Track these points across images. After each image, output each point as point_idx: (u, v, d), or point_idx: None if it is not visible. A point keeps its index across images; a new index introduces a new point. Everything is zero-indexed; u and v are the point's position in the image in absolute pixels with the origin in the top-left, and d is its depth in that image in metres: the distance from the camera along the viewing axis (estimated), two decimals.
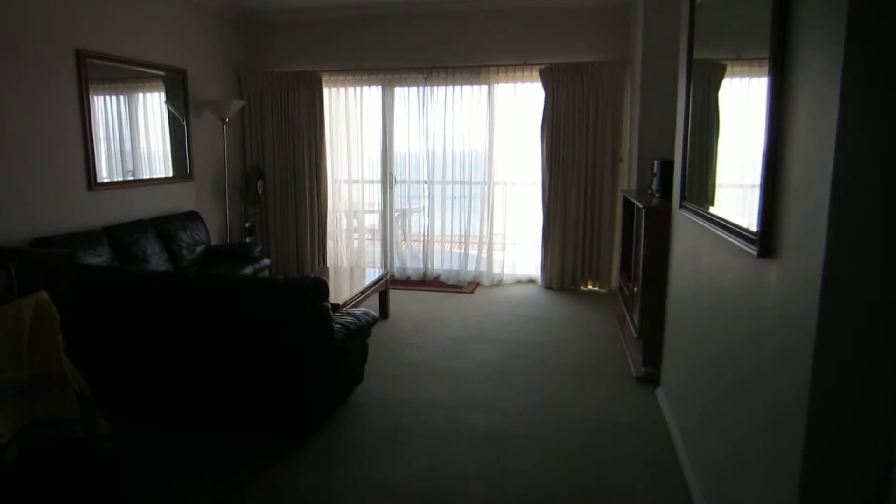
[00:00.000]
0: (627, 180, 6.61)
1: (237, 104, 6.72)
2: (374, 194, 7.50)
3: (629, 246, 5.46)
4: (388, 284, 5.77)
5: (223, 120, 6.68)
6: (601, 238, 6.85)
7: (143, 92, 6.11)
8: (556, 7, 6.66)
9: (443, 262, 7.42)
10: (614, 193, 6.75)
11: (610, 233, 6.81)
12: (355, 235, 7.57)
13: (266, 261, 6.18)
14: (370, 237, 7.69)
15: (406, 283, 7.16)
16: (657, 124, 5.66)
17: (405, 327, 5.58)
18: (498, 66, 6.82)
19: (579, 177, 6.74)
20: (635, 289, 4.75)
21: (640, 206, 4.42)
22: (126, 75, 5.77)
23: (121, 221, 5.35)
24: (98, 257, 4.69)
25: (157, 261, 5.33)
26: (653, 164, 5.09)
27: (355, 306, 4.84)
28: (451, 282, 7.21)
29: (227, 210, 6.92)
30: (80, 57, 5.02)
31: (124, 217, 5.45)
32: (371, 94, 7.28)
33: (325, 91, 7.25)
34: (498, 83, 6.93)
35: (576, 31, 6.68)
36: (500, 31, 6.81)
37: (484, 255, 7.22)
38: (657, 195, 4.83)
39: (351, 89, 7.30)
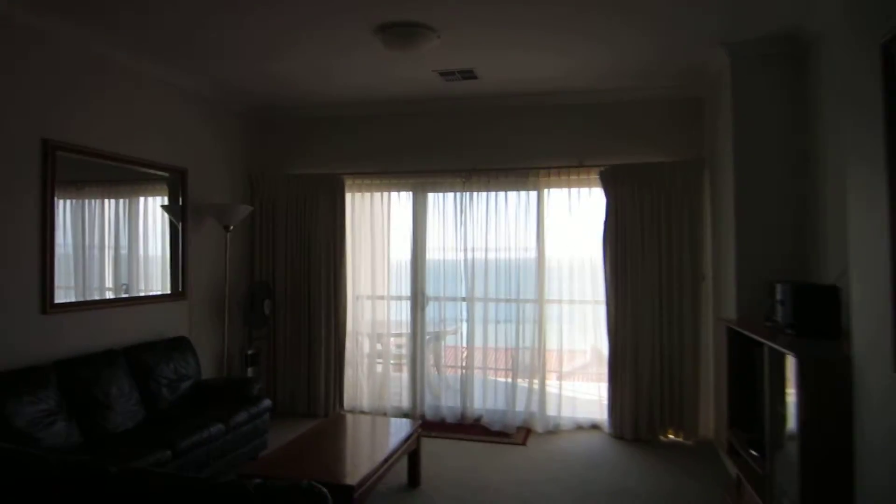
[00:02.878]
0: (715, 304, 5.37)
1: (244, 209, 5.72)
2: (401, 313, 6.27)
3: (745, 393, 4.15)
4: (419, 441, 4.45)
5: (227, 228, 5.69)
6: (684, 374, 5.49)
7: (144, 196, 5.18)
8: (617, 101, 5.65)
9: (485, 399, 6.06)
10: (697, 319, 5.47)
11: (694, 367, 5.45)
12: (379, 361, 6.30)
13: (266, 402, 4.87)
14: (396, 364, 6.38)
15: (440, 427, 5.80)
16: (761, 236, 4.51)
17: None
18: (549, 168, 5.73)
19: (653, 297, 5.49)
20: (772, 464, 3.41)
21: (785, 351, 3.15)
22: (124, 176, 4.81)
23: (86, 352, 4.21)
24: (38, 404, 3.50)
25: (125, 405, 4.10)
26: (774, 287, 3.88)
27: (375, 483, 3.54)
28: (496, 427, 5.83)
29: (225, 335, 5.76)
30: (48, 149, 3.96)
31: (91, 346, 4.27)
32: (400, 201, 6.19)
33: (348, 196, 6.18)
34: (549, 188, 5.82)
35: (640, 127, 5.63)
36: (550, 128, 5.77)
37: (535, 387, 5.85)
38: (789, 331, 3.58)
39: (378, 194, 6.23)
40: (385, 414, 6.11)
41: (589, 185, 5.74)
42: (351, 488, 3.15)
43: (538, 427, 5.79)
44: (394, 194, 6.24)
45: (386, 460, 3.67)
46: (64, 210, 4.27)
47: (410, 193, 6.19)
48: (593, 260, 5.77)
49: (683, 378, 5.47)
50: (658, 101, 5.63)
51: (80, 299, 4.37)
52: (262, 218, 6.28)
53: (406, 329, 6.23)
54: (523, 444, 5.45)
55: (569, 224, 5.84)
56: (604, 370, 5.78)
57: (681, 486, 4.50)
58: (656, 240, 5.49)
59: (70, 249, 4.36)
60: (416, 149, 6.12)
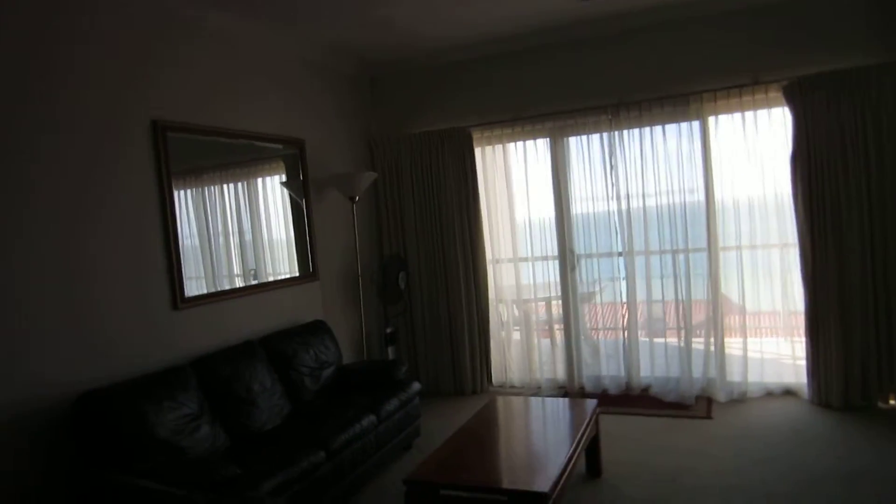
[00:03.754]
0: None
1: (368, 177, 5.18)
2: (548, 275, 5.54)
3: None
4: (598, 423, 3.78)
5: (352, 199, 5.21)
6: None
7: (262, 176, 4.77)
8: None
9: (653, 365, 5.27)
10: None
11: None
12: (521, 329, 5.59)
13: (415, 386, 4.36)
14: (546, 331, 5.65)
15: (603, 400, 5.06)
16: None
17: (635, 496, 3.53)
18: (715, 90, 4.76)
19: (863, 235, 4.45)
20: None
21: None
22: (239, 158, 4.41)
23: (221, 346, 3.83)
24: (179, 409, 3.15)
25: (269, 400, 3.72)
26: None
27: (566, 484, 2.90)
28: (669, 397, 5.04)
29: (361, 314, 5.35)
30: (158, 130, 3.56)
31: (226, 340, 3.88)
32: (537, 150, 5.43)
33: (478, 151, 5.51)
34: (716, 114, 4.85)
35: (832, 23, 4.50)
36: (714, 41, 4.77)
37: (712, 349, 5.01)
38: None
39: (510, 145, 5.53)
40: (539, 388, 5.49)
41: (767, 105, 4.72)
42: (544, 496, 2.54)
43: (720, 396, 4.95)
44: (529, 143, 5.48)
45: (572, 455, 3.02)
46: (186, 199, 3.92)
47: (547, 140, 5.41)
48: (779, 195, 4.78)
49: None
50: None
51: (211, 290, 4.02)
52: (386, 184, 5.75)
53: (555, 292, 5.53)
54: (708, 416, 4.65)
55: (743, 156, 4.85)
56: (798, 325, 4.84)
57: None
58: (863, 165, 4.42)
59: (196, 240, 4.00)
60: (550, 88, 5.31)
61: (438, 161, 5.56)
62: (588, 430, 3.45)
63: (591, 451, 3.67)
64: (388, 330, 5.54)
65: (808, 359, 4.70)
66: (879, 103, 4.36)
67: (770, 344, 5.11)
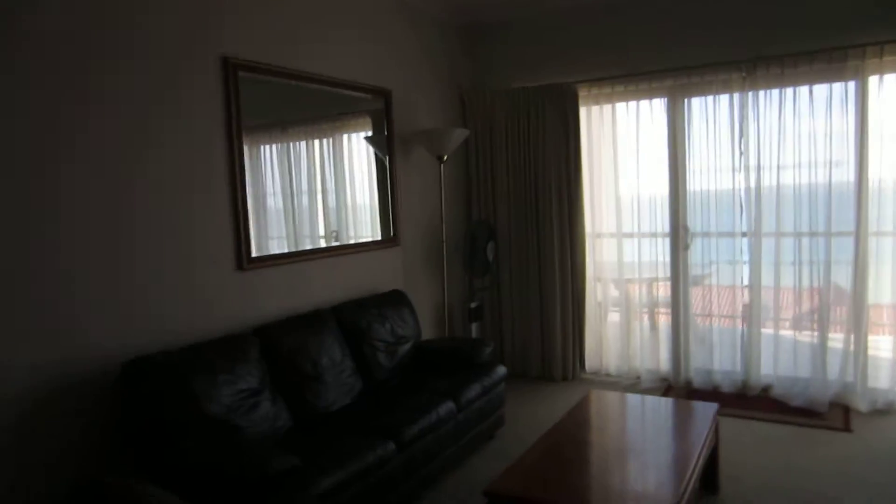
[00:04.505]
0: None
1: (459, 134, 4.60)
2: (655, 253, 4.83)
3: None
4: (718, 431, 3.12)
5: (440, 158, 4.68)
6: None
7: (347, 132, 4.34)
8: None
9: (776, 362, 4.49)
10: None
11: None
12: (615, 310, 4.95)
13: (501, 370, 3.84)
14: (651, 316, 4.95)
15: (714, 398, 4.37)
16: None
17: None
18: (882, 43, 3.87)
19: None
20: None
21: None
22: (322, 110, 3.99)
23: (289, 314, 3.42)
24: (237, 383, 2.77)
25: (338, 377, 3.29)
26: None
27: None
28: (796, 401, 4.26)
29: (444, 286, 4.84)
30: (229, 68, 3.13)
31: (295, 307, 3.48)
32: (652, 112, 4.69)
33: (583, 111, 4.83)
34: (882, 73, 3.96)
35: None
36: None
37: (852, 349, 4.19)
38: None
39: (621, 105, 4.80)
40: (638, 379, 4.85)
41: None
42: None
43: (860, 404, 4.15)
44: (643, 104, 4.75)
45: (691, 478, 2.41)
46: (270, 155, 3.60)
47: (665, 100, 4.66)
48: None
49: None
50: None
51: (293, 250, 3.66)
52: (478, 144, 5.18)
53: (662, 272, 4.82)
54: (846, 429, 3.88)
55: None
56: None
57: None
58: None
59: (280, 198, 3.66)
60: (672, 39, 4.55)
61: (538, 120, 4.93)
62: (708, 442, 2.82)
63: (709, 464, 3.03)
64: (473, 305, 5.03)
65: None
66: None
67: None
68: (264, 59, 3.40)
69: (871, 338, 4.23)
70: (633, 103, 4.78)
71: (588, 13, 4.81)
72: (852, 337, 4.20)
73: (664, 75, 4.56)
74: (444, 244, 4.77)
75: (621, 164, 4.86)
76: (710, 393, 4.53)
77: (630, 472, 2.56)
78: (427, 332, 4.65)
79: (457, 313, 5.12)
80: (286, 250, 3.61)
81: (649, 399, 3.56)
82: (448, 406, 3.26)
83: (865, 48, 3.93)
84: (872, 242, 4.13)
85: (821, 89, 4.14)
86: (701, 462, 2.61)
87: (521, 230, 5.07)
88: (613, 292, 5.05)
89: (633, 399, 3.46)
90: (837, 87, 4.09)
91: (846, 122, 4.09)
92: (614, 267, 4.97)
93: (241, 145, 3.23)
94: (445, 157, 4.65)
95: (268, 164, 3.59)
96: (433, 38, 4.95)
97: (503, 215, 5.13)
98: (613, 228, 4.94)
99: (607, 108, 4.87)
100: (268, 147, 3.62)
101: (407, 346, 3.86)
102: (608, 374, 5.01)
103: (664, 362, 4.82)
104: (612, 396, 3.48)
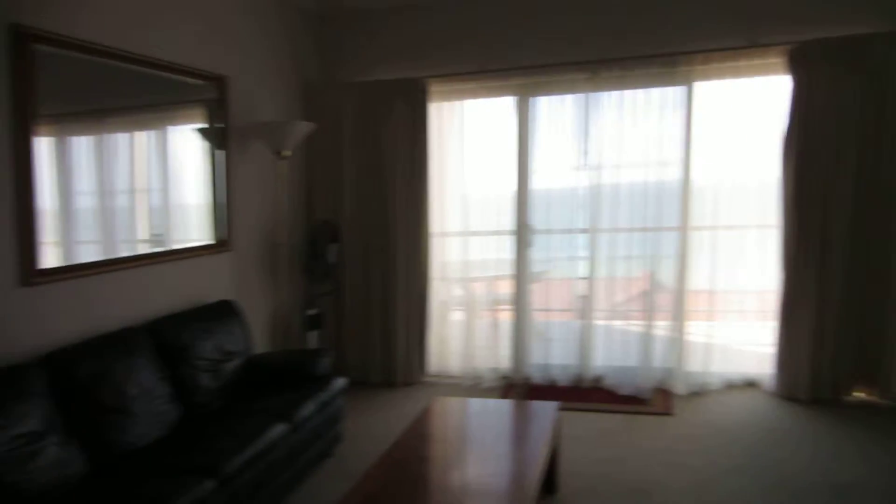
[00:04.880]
0: None
1: (303, 128, 4.26)
2: (499, 252, 4.81)
3: None
4: (559, 433, 3.14)
5: (279, 153, 4.33)
6: (887, 317, 4.03)
7: (177, 124, 3.84)
8: None
9: (608, 354, 4.65)
10: None
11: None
12: (464, 311, 4.89)
13: (339, 382, 3.57)
14: (492, 314, 4.92)
15: (552, 392, 4.50)
16: None
17: None
18: (707, 51, 4.09)
19: (850, 222, 3.95)
20: None
21: None
22: (149, 100, 3.50)
23: (94, 334, 2.91)
24: (9, 427, 2.19)
25: (149, 406, 2.80)
26: None
27: None
28: (625, 389, 4.46)
29: (279, 293, 4.52)
30: (21, 40, 2.59)
31: (101, 326, 2.95)
32: (501, 110, 4.66)
33: (434, 107, 4.69)
34: (706, 79, 4.19)
35: None
36: None
37: (672, 336, 4.44)
38: None
39: (471, 102, 4.74)
40: (480, 378, 4.82)
41: (764, 72, 4.10)
42: None
43: (679, 387, 4.42)
44: (492, 101, 4.72)
45: (535, 481, 2.35)
46: (84, 148, 3.14)
47: (514, 98, 4.65)
48: (763, 174, 4.22)
49: (886, 320, 3.98)
50: None
51: (105, 258, 3.15)
52: (323, 140, 4.84)
53: (506, 271, 4.83)
54: (668, 412, 4.11)
55: (730, 127, 4.24)
56: (767, 311, 4.34)
57: None
58: (860, 143, 3.90)
59: (93, 199, 3.18)
60: (522, 37, 4.53)
61: (388, 116, 4.71)
62: (549, 443, 2.81)
63: (548, 464, 3.02)
64: (312, 312, 4.74)
65: (777, 348, 4.22)
66: (885, 77, 3.81)
67: (735, 330, 4.57)
68: (72, 32, 2.86)
69: (689, 324, 4.51)
70: (482, 101, 4.74)
71: (441, 6, 4.65)
72: (674, 325, 4.46)
73: (513, 73, 4.54)
74: (283, 247, 4.43)
75: (469, 163, 4.79)
76: (548, 387, 4.62)
77: (473, 487, 2.46)
78: (262, 346, 4.29)
79: (295, 322, 4.79)
80: (97, 258, 3.11)
81: (491, 403, 3.52)
82: (280, 428, 2.97)
83: (694, 55, 4.12)
84: (694, 236, 4.39)
85: (655, 92, 4.30)
86: (543, 467, 2.57)
87: (366, 231, 4.84)
88: (458, 291, 5.00)
89: (475, 405, 3.38)
90: (670, 90, 4.28)
91: (675, 124, 4.29)
92: (460, 266, 4.91)
93: (33, 135, 2.70)
94: (287, 153, 4.31)
95: (79, 158, 3.08)
96: (278, 23, 4.54)
97: (348, 215, 4.87)
98: (460, 227, 4.86)
99: (457, 104, 4.78)
100: (80, 139, 3.11)
101: (236, 363, 3.50)
102: (451, 376, 4.93)
103: (505, 360, 4.84)
104: (453, 404, 3.38)
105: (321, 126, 4.74)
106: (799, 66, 3.89)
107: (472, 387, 4.73)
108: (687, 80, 4.21)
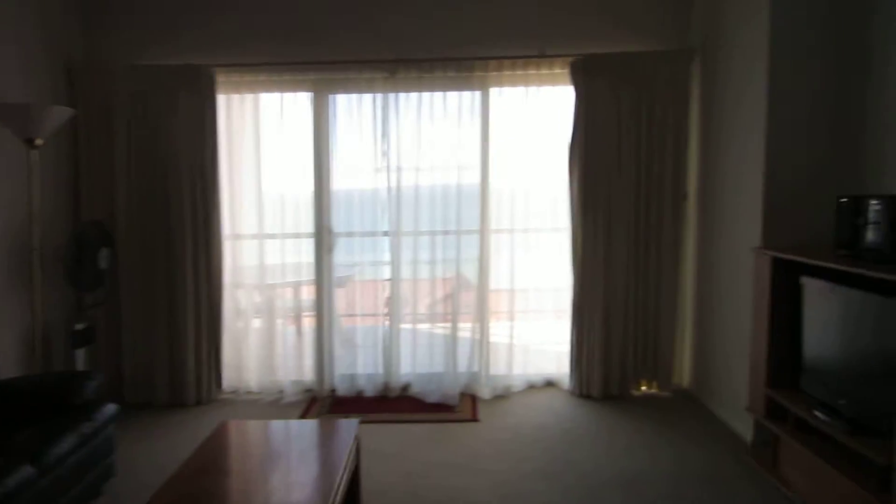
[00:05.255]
0: (704, 228, 4.27)
1: (60, 114, 3.56)
2: (300, 256, 4.53)
3: (790, 341, 3.08)
4: (359, 448, 2.93)
5: (31, 143, 3.57)
6: (661, 313, 4.41)
7: None
8: None
9: (415, 360, 4.54)
10: (678, 248, 4.36)
11: (672, 305, 4.40)
12: (258, 318, 4.52)
13: (109, 409, 3.00)
14: (294, 324, 4.61)
15: (359, 405, 4.31)
16: (792, 144, 3.37)
17: None
18: (501, 58, 4.18)
19: (628, 222, 4.27)
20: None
21: None
22: None
23: None
24: None
25: None
26: (860, 204, 2.75)
27: None
28: (432, 397, 4.39)
29: (37, 306, 3.76)
30: None
31: None
32: (298, 104, 4.38)
33: (222, 98, 4.28)
34: (501, 86, 4.30)
35: (618, 5, 4.27)
36: (503, 5, 4.26)
37: (477, 338, 4.48)
38: None
39: (266, 96, 4.36)
40: (281, 393, 4.47)
41: (552, 81, 4.29)
42: None
43: (484, 392, 4.47)
44: (288, 96, 4.39)
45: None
46: None
47: (311, 94, 4.38)
48: (555, 179, 4.41)
49: (661, 318, 4.37)
50: None
51: None
52: (92, 129, 4.20)
53: (307, 275, 4.55)
54: (474, 418, 4.11)
55: (524, 134, 4.38)
56: (562, 312, 4.55)
57: (686, 457, 3.46)
58: (635, 151, 4.23)
59: None
60: (319, 29, 4.30)
61: (170, 105, 4.20)
62: (349, 463, 2.59)
63: (349, 484, 2.80)
64: (80, 326, 4.04)
65: (572, 348, 4.43)
66: (654, 90, 4.17)
67: (535, 330, 4.72)
68: None
69: (492, 325, 4.57)
70: (277, 95, 4.38)
71: None
72: (478, 327, 4.49)
73: (311, 68, 4.28)
74: (38, 252, 3.71)
75: (265, 160, 4.42)
76: (354, 399, 4.42)
77: None
78: (13, 369, 3.55)
79: (58, 339, 4.06)
80: None
81: (286, 424, 3.18)
82: (24, 472, 2.41)
83: (488, 61, 4.19)
84: (493, 239, 4.46)
85: (453, 96, 4.31)
86: (342, 493, 2.35)
87: (147, 233, 4.27)
88: (256, 299, 4.59)
89: (268, 427, 3.04)
90: (467, 94, 4.31)
91: (473, 128, 4.33)
92: (256, 271, 4.52)
93: None
94: (40, 142, 3.61)
95: None
96: None
97: (125, 215, 4.25)
98: (255, 229, 4.48)
99: (250, 97, 4.38)
100: None
101: None
102: (249, 392, 4.50)
103: (308, 371, 4.54)
104: (246, 427, 3.01)
105: (88, 113, 4.10)
106: (580, 77, 4.14)
107: (274, 402, 4.37)
108: (483, 86, 4.29)
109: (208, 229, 4.27)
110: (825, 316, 2.91)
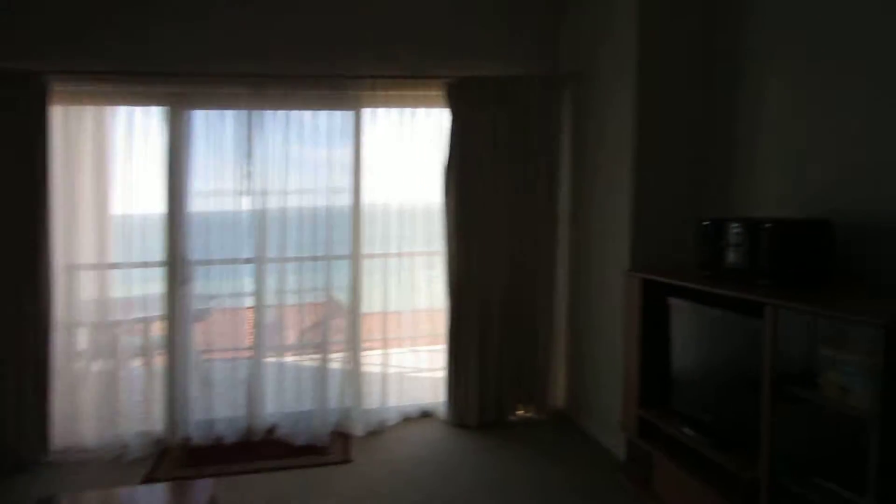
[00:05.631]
0: (576, 251, 4.35)
1: None
2: (149, 288, 4.04)
3: (660, 363, 3.14)
4: None
5: None
6: (538, 336, 4.39)
7: None
8: None
9: (281, 398, 4.16)
10: (552, 271, 4.38)
11: (547, 329, 4.40)
12: (95, 363, 3.92)
13: None
14: (142, 360, 4.04)
15: (218, 454, 3.84)
16: (662, 168, 3.52)
17: None
18: (374, 77, 4.04)
19: (503, 245, 4.23)
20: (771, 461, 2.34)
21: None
22: None
23: None
24: None
25: None
26: (721, 226, 2.86)
27: None
28: (301, 439, 4.00)
29: None
30: None
31: None
32: (149, 121, 3.92)
33: (59, 111, 3.74)
34: (375, 106, 4.14)
35: (491, 27, 4.27)
36: (377, 15, 4.13)
37: (349, 369, 4.21)
38: (763, 281, 2.59)
39: (112, 109, 3.88)
40: (125, 448, 3.88)
41: (428, 103, 4.20)
42: None
43: (357, 428, 4.19)
44: (138, 110, 3.93)
45: None
46: None
47: (167, 109, 3.94)
48: (430, 202, 4.31)
49: (536, 341, 4.37)
50: None
51: None
52: None
53: (159, 310, 4.05)
54: (347, 459, 3.82)
55: (399, 156, 4.25)
56: (437, 337, 4.42)
57: (561, 479, 3.47)
58: (509, 174, 4.23)
59: None
60: (177, 38, 3.91)
61: None
62: None
63: None
64: None
65: (447, 375, 4.29)
66: (528, 114, 4.21)
67: (410, 358, 4.54)
68: None
69: (365, 355, 4.33)
70: (128, 108, 3.91)
71: None
72: (350, 356, 4.24)
73: (163, 80, 3.86)
74: None
75: (111, 181, 3.91)
76: (212, 448, 3.95)
77: None
78: None
79: None
80: None
81: (126, 497, 2.73)
82: None
83: (361, 80, 4.02)
84: (367, 263, 4.26)
85: (324, 116, 4.08)
86: None
87: None
88: (95, 339, 4.01)
89: (97, 499, 2.58)
90: (338, 115, 4.11)
91: (344, 150, 4.13)
92: (97, 306, 3.95)
93: None
94: None
95: None
96: None
97: None
98: (96, 258, 3.92)
99: (90, 110, 3.86)
100: None
101: None
102: (86, 449, 3.84)
103: (158, 419, 4.01)
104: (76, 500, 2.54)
105: None
106: (455, 100, 4.10)
107: (115, 460, 3.79)
108: (356, 106, 4.11)
109: (36, 258, 3.69)
110: (691, 334, 3.00)
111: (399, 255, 4.34)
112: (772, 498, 2.34)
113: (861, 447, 1.97)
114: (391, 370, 4.40)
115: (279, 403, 4.20)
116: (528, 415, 4.44)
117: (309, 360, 4.25)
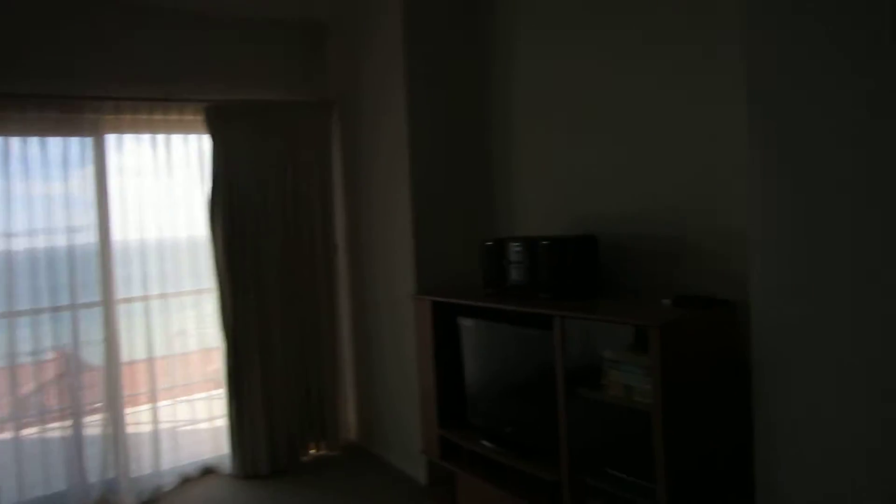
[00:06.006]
0: (353, 278, 4.30)
1: None
2: None
3: (456, 379, 3.22)
4: None
5: None
6: (323, 370, 4.21)
7: None
8: (216, 15, 3.89)
9: (21, 481, 3.41)
10: (334, 301, 4.26)
11: (331, 360, 4.25)
12: None
13: None
14: None
15: None
16: (435, 194, 3.65)
17: None
18: (120, 99, 3.55)
19: (280, 276, 3.99)
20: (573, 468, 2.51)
21: (646, 325, 2.20)
22: None
23: None
24: None
25: None
26: (502, 247, 3.04)
27: None
28: None
29: None
30: None
31: None
32: None
33: None
34: (121, 132, 3.63)
35: (250, 47, 4.03)
36: (121, 32, 3.62)
37: (110, 434, 3.61)
38: (544, 294, 2.81)
39: None
40: None
41: (185, 129, 3.81)
42: None
43: (127, 497, 3.62)
44: None
45: None
46: None
47: None
48: (195, 235, 3.91)
49: (322, 374, 4.21)
50: (270, 21, 4.10)
51: None
52: None
53: None
54: None
55: (154, 187, 3.78)
56: (215, 382, 4.04)
57: None
58: (281, 202, 4.03)
59: None
60: None
61: None
62: None
63: None
64: None
65: (229, 423, 3.92)
66: (298, 141, 4.06)
67: (185, 409, 4.07)
68: None
69: (130, 412, 3.78)
70: None
71: None
72: (110, 418, 3.65)
73: None
74: None
75: None
76: None
77: None
78: None
79: None
80: None
81: None
82: None
83: (103, 102, 3.51)
84: (123, 308, 3.72)
85: (55, 143, 3.47)
86: None
87: None
88: None
89: None
90: (75, 142, 3.52)
91: (85, 182, 3.56)
92: None
93: None
94: None
95: None
96: None
97: None
98: None
99: None
100: None
101: None
102: None
103: None
104: None
105: None
106: (217, 125, 3.79)
107: None
108: (96, 131, 3.57)
109: None
110: (483, 351, 3.13)
111: (163, 295, 3.86)
112: (573, 495, 2.52)
113: (646, 437, 2.21)
114: (163, 426, 3.87)
115: (18, 489, 3.43)
116: (322, 452, 4.25)
117: (56, 434, 3.55)
